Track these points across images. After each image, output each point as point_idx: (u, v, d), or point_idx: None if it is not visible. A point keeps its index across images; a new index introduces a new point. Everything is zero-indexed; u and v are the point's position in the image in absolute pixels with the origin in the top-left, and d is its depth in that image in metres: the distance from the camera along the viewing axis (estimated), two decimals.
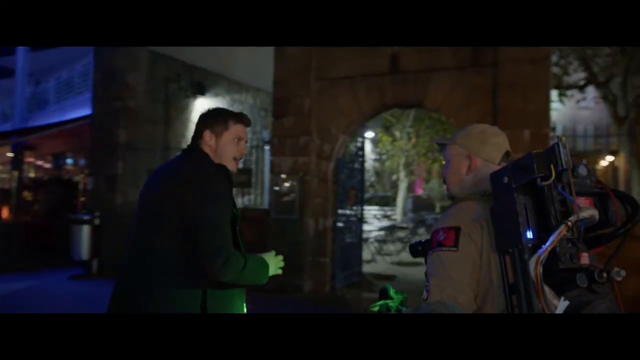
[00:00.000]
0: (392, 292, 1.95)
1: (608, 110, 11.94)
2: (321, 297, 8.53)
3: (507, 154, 1.84)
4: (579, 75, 13.06)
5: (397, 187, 26.38)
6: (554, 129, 8.08)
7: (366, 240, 12.63)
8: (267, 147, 9.29)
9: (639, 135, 10.67)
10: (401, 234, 15.72)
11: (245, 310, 2.37)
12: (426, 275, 1.64)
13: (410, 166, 23.61)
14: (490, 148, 1.82)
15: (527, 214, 1.43)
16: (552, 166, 1.38)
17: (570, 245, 1.40)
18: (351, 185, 9.84)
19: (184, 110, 12.43)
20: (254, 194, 10.13)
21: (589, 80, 11.87)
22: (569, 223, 1.35)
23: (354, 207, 10.00)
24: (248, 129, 2.47)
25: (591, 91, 16.25)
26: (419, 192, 31.52)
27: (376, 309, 1.91)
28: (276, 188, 9.04)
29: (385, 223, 17.35)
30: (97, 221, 10.06)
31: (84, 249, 9.87)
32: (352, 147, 10.22)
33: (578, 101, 14.94)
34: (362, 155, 10.19)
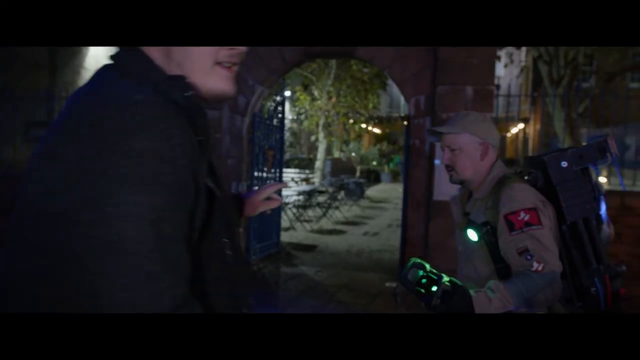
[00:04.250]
0: (428, 266, 1.91)
1: (543, 72, 11.46)
2: None
3: None
4: None
5: (315, 149, 25.43)
6: (497, 86, 7.31)
7: (285, 205, 11.62)
8: None
9: (572, 99, 10.21)
10: (321, 198, 14.82)
11: None
12: (524, 251, 1.85)
13: (330, 127, 22.70)
14: (496, 134, 2.13)
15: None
16: (607, 154, 1.89)
17: None
18: (269, 145, 8.70)
19: (76, 55, 10.78)
20: None
21: None
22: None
23: (272, 170, 8.90)
24: None
25: (517, 55, 15.88)
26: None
27: (424, 281, 1.83)
28: None
29: (305, 187, 16.40)
30: None
31: None
32: (270, 104, 9.04)
33: (506, 65, 14.49)
34: (282, 112, 9.04)
